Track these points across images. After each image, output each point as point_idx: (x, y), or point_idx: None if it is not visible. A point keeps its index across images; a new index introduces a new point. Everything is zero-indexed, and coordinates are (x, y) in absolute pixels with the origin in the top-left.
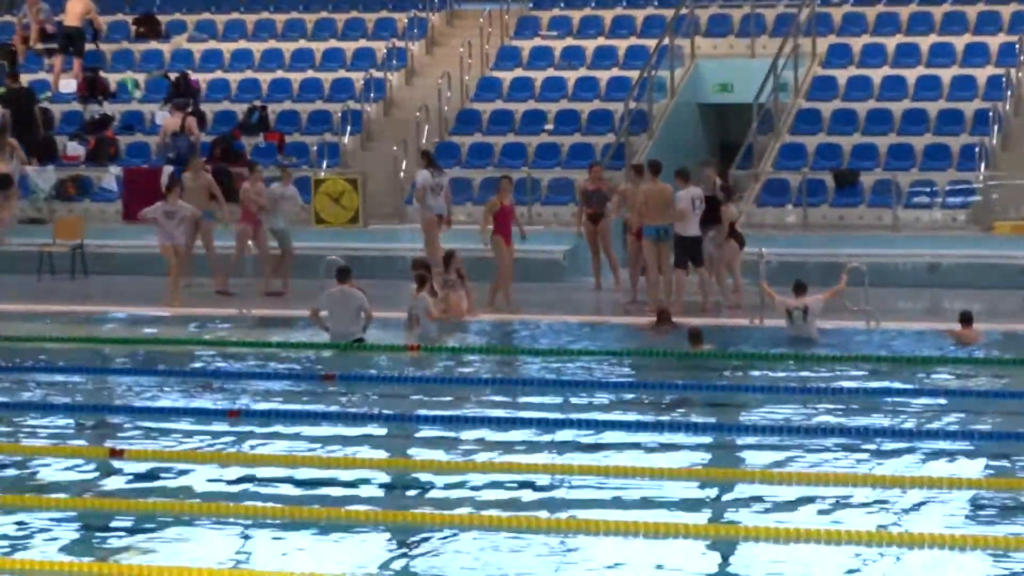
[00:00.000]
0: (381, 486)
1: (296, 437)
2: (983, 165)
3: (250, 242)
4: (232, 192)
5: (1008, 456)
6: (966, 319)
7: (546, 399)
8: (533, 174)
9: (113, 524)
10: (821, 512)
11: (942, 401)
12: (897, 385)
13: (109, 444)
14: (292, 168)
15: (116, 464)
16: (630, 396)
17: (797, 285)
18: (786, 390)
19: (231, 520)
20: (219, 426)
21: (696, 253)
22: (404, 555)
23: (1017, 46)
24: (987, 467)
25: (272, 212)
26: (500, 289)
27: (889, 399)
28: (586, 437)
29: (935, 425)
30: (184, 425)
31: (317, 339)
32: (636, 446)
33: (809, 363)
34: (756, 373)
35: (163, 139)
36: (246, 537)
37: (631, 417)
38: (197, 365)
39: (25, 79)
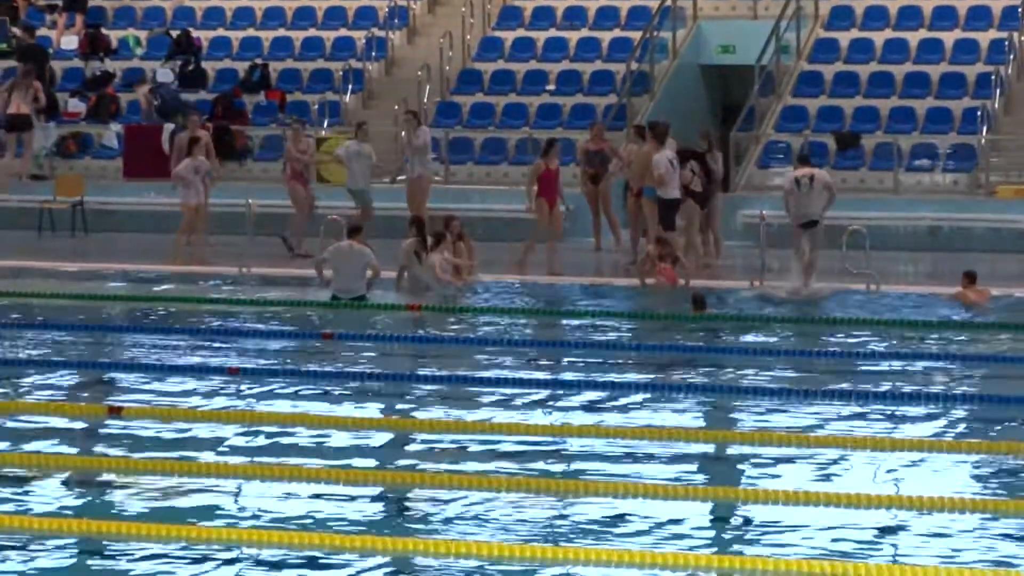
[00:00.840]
0: (380, 446)
1: (295, 396)
2: (985, 129)
3: None
4: (233, 149)
5: (1006, 421)
6: (971, 278)
7: (547, 360)
8: (534, 134)
9: (110, 481)
10: (818, 473)
11: (944, 365)
12: (900, 349)
13: (108, 402)
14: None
15: (114, 422)
16: (632, 358)
17: (801, 156)
18: (788, 353)
19: (232, 477)
20: (219, 382)
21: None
22: (402, 514)
23: (1020, 10)
24: (988, 432)
25: (349, 171)
26: (531, 249)
27: (890, 363)
28: (588, 398)
29: (935, 389)
30: (184, 383)
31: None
32: (638, 407)
33: (814, 325)
34: (759, 338)
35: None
36: (247, 495)
37: (631, 378)
38: (197, 322)
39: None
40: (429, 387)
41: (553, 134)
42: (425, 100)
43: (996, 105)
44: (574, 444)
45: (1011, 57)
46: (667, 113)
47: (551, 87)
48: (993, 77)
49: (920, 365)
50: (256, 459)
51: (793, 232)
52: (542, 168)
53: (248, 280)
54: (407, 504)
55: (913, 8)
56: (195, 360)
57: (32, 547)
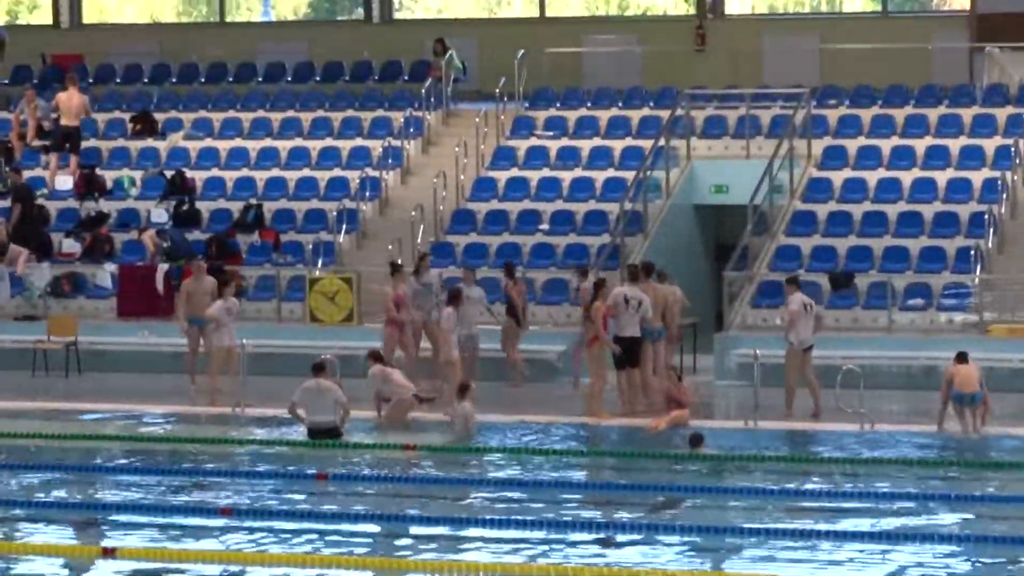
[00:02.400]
0: None
1: (289, 537)
2: (978, 268)
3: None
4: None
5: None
6: (962, 357)
7: (545, 500)
8: (528, 274)
9: None
10: None
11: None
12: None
13: (102, 544)
14: (286, 267)
15: (108, 563)
16: (628, 497)
17: (792, 279)
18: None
19: None
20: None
21: (634, 354)
22: None
23: (1012, 149)
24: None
25: (459, 316)
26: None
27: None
28: (582, 537)
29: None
30: (177, 523)
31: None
32: (634, 544)
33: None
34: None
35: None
36: None
37: (626, 517)
38: (190, 462)
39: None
40: (422, 529)
41: (547, 274)
42: (419, 240)
43: (989, 244)
44: None
45: (1004, 196)
46: (661, 253)
47: (545, 227)
48: (986, 216)
49: (913, 504)
50: None
51: (797, 359)
52: (603, 310)
53: (242, 420)
54: None
55: (906, 148)
56: (188, 500)
57: None
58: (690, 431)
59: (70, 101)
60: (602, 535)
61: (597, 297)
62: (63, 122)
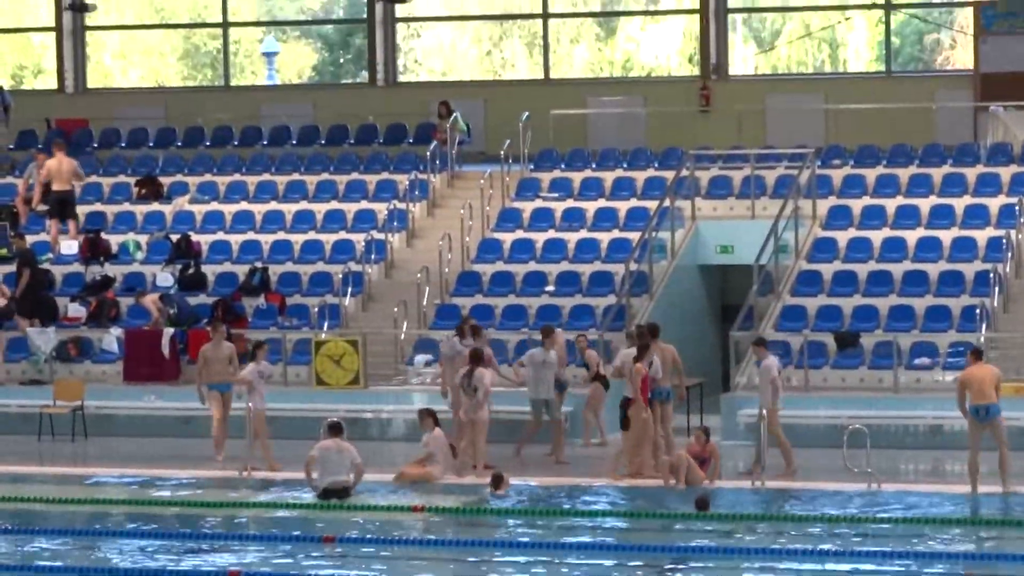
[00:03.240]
0: None
1: None
2: (984, 326)
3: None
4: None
5: None
6: (976, 355)
7: (554, 562)
8: (534, 335)
9: None
10: None
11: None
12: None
13: None
14: (292, 330)
15: None
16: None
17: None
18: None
19: None
20: None
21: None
22: None
23: (1016, 208)
24: None
25: (534, 380)
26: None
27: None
28: None
29: None
30: None
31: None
32: None
33: (818, 524)
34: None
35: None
36: None
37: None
38: (198, 526)
39: (29, 240)
40: None
41: None
42: (424, 302)
43: (995, 303)
44: None
45: (1008, 255)
46: (667, 313)
47: (550, 288)
48: (991, 275)
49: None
50: None
51: (774, 419)
52: (643, 372)
53: (249, 483)
54: None
55: (910, 207)
56: (197, 563)
57: None
58: (698, 492)
59: (60, 166)
60: None
61: (640, 359)
62: (55, 187)
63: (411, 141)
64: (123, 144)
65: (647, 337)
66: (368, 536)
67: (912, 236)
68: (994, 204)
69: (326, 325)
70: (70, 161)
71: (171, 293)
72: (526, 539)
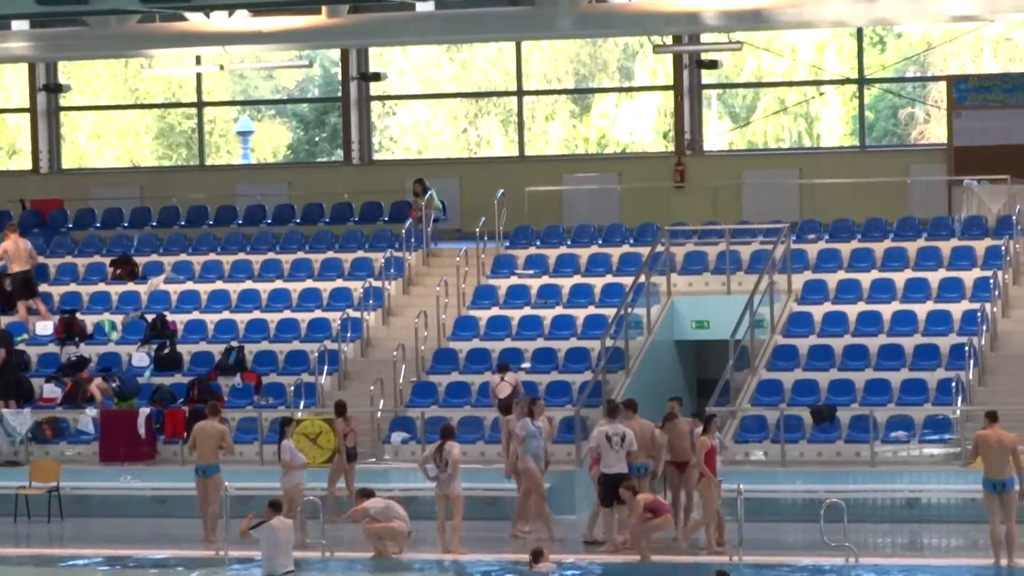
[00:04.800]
0: None
1: None
2: (960, 400)
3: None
4: None
5: None
6: (991, 416)
7: None
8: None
9: None
10: None
11: None
12: None
13: None
14: (268, 409)
15: None
16: None
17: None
18: None
19: None
20: None
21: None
22: None
23: (991, 281)
24: None
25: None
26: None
27: None
28: None
29: None
30: None
31: None
32: None
33: None
34: None
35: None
36: None
37: None
38: None
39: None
40: None
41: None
42: (401, 380)
43: (970, 376)
44: None
45: (983, 328)
46: (643, 388)
47: (526, 365)
48: (967, 348)
49: None
50: None
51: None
52: (707, 446)
53: (225, 562)
54: None
55: (886, 281)
56: None
57: None
58: (715, 567)
59: (17, 247)
60: None
61: (707, 431)
62: (14, 268)
63: (386, 219)
64: (98, 224)
65: (622, 410)
66: None
67: (887, 310)
68: (969, 277)
69: (302, 404)
70: (25, 241)
71: (112, 370)
72: None
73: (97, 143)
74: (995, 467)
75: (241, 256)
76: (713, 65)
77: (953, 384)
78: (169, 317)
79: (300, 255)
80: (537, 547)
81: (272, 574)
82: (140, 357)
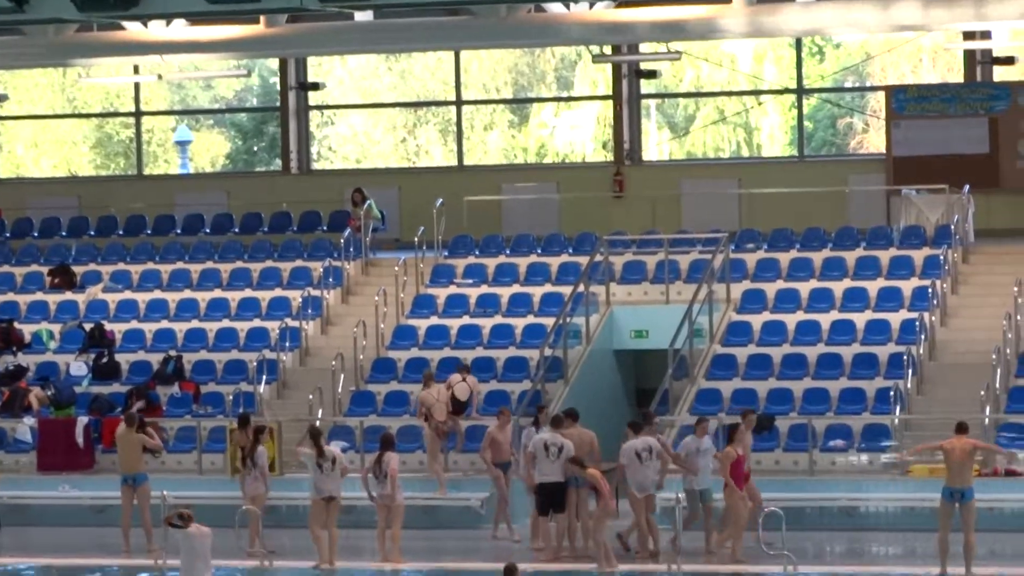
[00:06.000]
0: None
1: None
2: (898, 409)
3: None
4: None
5: None
6: (961, 428)
7: None
8: (448, 421)
9: None
10: None
11: None
12: None
13: None
14: (206, 418)
15: None
16: None
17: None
18: None
19: None
20: None
21: (558, 499)
22: None
23: (929, 290)
24: None
25: (692, 468)
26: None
27: None
28: None
29: None
30: None
31: None
32: None
33: None
34: None
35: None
36: None
37: None
38: None
39: None
40: None
41: (468, 421)
42: (339, 389)
43: (909, 385)
44: None
45: (922, 337)
46: (581, 397)
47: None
48: (905, 357)
49: None
50: None
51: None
52: (733, 456)
53: (164, 571)
54: None
55: (824, 291)
56: None
57: None
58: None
59: None
60: None
61: (732, 440)
62: None
63: (325, 228)
64: (35, 234)
65: (564, 420)
66: None
67: (826, 319)
68: (907, 287)
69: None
70: None
71: (50, 379)
72: None
73: (34, 152)
74: (956, 476)
75: (179, 265)
76: (652, 75)
77: (891, 393)
78: (107, 326)
79: (239, 264)
80: (510, 564)
81: None
82: (78, 366)
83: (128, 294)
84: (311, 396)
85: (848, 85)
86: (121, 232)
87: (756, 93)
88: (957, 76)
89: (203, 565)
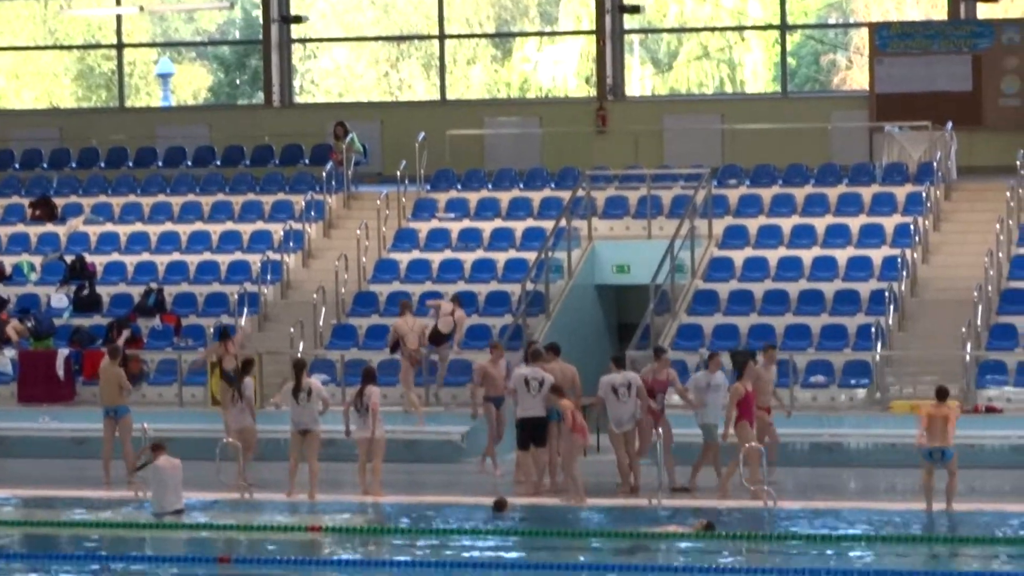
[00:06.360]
0: None
1: None
2: (879, 345)
3: None
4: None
5: None
6: (941, 394)
7: None
8: (432, 355)
9: None
10: None
11: None
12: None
13: None
14: (187, 351)
15: None
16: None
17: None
18: None
19: None
20: None
21: (538, 434)
22: None
23: (911, 227)
24: None
25: (699, 403)
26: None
27: None
28: None
29: None
30: None
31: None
32: None
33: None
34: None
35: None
36: None
37: None
38: (87, 547)
39: None
40: None
41: (451, 354)
42: (321, 323)
43: (890, 321)
44: None
45: (903, 274)
46: (563, 332)
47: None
48: (886, 294)
49: None
50: None
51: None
52: (741, 392)
53: (143, 502)
54: None
55: (806, 227)
56: None
57: None
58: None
59: None
60: None
61: (742, 376)
62: None
63: (307, 162)
64: (17, 166)
65: (546, 354)
66: (264, 557)
67: (808, 255)
68: (889, 223)
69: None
70: None
71: (30, 311)
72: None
73: (16, 84)
74: (936, 438)
75: (161, 198)
76: (636, 10)
77: (873, 329)
78: (88, 258)
79: (220, 197)
80: (500, 498)
81: (160, 512)
82: (59, 298)
83: (109, 226)
84: (292, 329)
85: (832, 22)
86: (103, 164)
87: (740, 29)
88: (941, 13)
89: (174, 496)
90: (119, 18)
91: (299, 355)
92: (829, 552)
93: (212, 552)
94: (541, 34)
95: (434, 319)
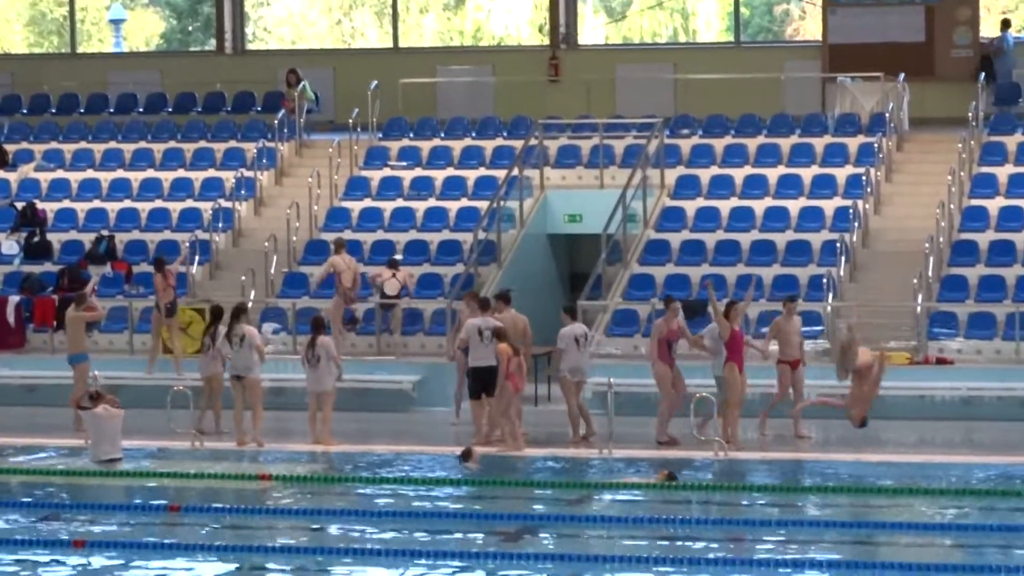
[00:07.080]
0: None
1: (143, 568)
2: (831, 296)
3: None
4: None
5: None
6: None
7: (398, 529)
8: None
9: None
10: None
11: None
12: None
13: None
14: (138, 298)
15: None
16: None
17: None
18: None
19: None
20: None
21: (489, 383)
22: None
23: (863, 178)
24: None
25: (713, 351)
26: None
27: None
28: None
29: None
30: (27, 558)
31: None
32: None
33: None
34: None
35: None
36: None
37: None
38: (38, 495)
39: None
40: (279, 560)
41: (401, 304)
42: (272, 271)
43: (841, 272)
44: None
45: (855, 225)
46: (515, 281)
47: (399, 257)
48: (838, 244)
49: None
50: None
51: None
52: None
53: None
54: None
55: (758, 177)
56: (40, 533)
57: None
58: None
59: None
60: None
61: (728, 315)
62: None
63: (259, 109)
64: None
65: (498, 304)
66: (215, 505)
67: (760, 206)
68: (841, 174)
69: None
70: None
71: None
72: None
73: None
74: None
75: (112, 145)
76: None
77: (824, 280)
78: (39, 205)
79: (172, 144)
80: (467, 447)
81: (96, 460)
82: (10, 245)
83: (60, 173)
84: (243, 277)
85: None
86: (54, 111)
87: None
88: None
89: (109, 446)
90: None
91: (248, 304)
92: (784, 503)
93: (162, 499)
94: None
95: (379, 289)
